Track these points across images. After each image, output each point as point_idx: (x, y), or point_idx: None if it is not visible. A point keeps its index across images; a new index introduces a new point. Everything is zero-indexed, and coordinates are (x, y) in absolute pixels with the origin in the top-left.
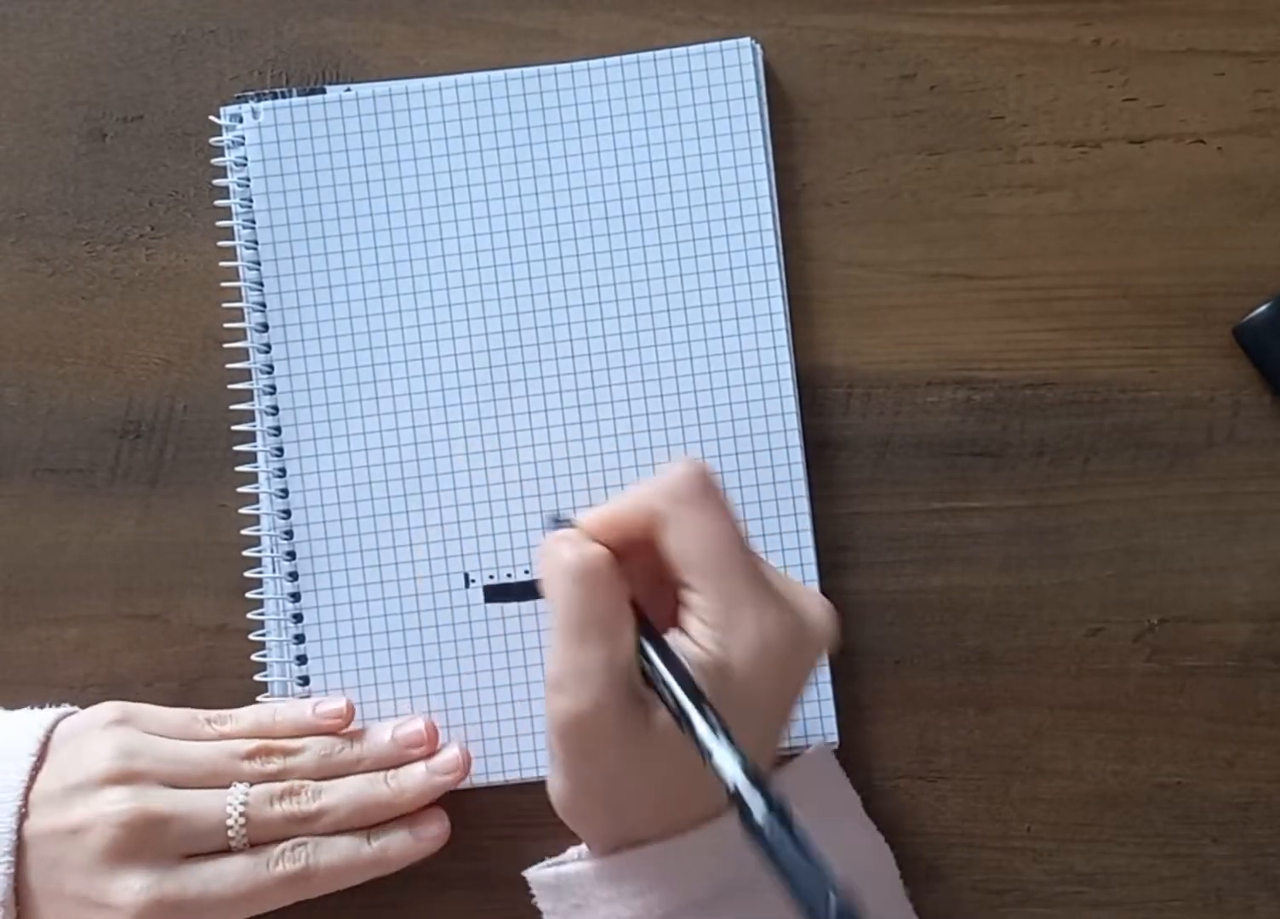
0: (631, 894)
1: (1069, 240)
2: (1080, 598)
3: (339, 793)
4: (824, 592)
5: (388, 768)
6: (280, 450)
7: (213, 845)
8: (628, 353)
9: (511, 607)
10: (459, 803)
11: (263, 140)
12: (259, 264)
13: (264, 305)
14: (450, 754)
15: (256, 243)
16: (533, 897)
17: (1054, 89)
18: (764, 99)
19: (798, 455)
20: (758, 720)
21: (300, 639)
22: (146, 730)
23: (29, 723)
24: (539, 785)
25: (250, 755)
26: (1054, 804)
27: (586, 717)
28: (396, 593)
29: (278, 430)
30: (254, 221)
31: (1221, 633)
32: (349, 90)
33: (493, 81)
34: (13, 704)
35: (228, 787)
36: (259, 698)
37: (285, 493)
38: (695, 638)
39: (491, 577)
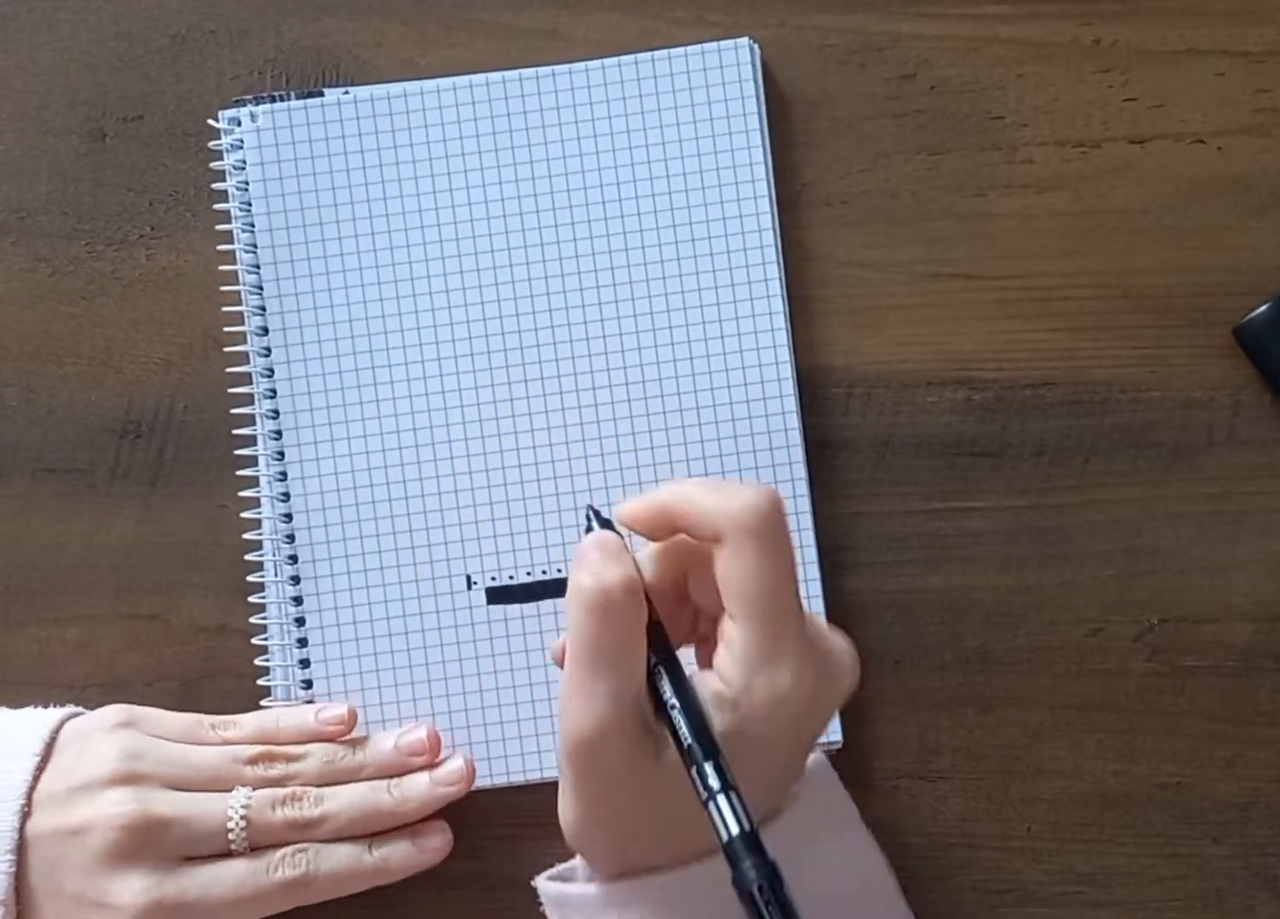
0: None
1: (1069, 240)
2: (1080, 598)
3: (341, 800)
4: (824, 591)
5: (390, 776)
6: (281, 454)
7: (213, 849)
8: (628, 353)
9: (514, 608)
10: (460, 803)
11: (261, 144)
12: (258, 268)
13: (264, 309)
14: (454, 765)
15: (256, 246)
16: (539, 903)
17: (1054, 89)
18: (762, 98)
19: (798, 455)
20: (769, 762)
21: (303, 642)
22: (151, 734)
23: (34, 722)
24: (539, 787)
25: (253, 760)
26: (1054, 804)
27: (594, 742)
28: (399, 595)
29: (279, 434)
30: (253, 225)
31: (1221, 633)
32: (347, 93)
33: (490, 83)
34: (13, 704)
35: (230, 791)
36: (262, 702)
37: (287, 496)
38: (722, 672)
39: (494, 579)
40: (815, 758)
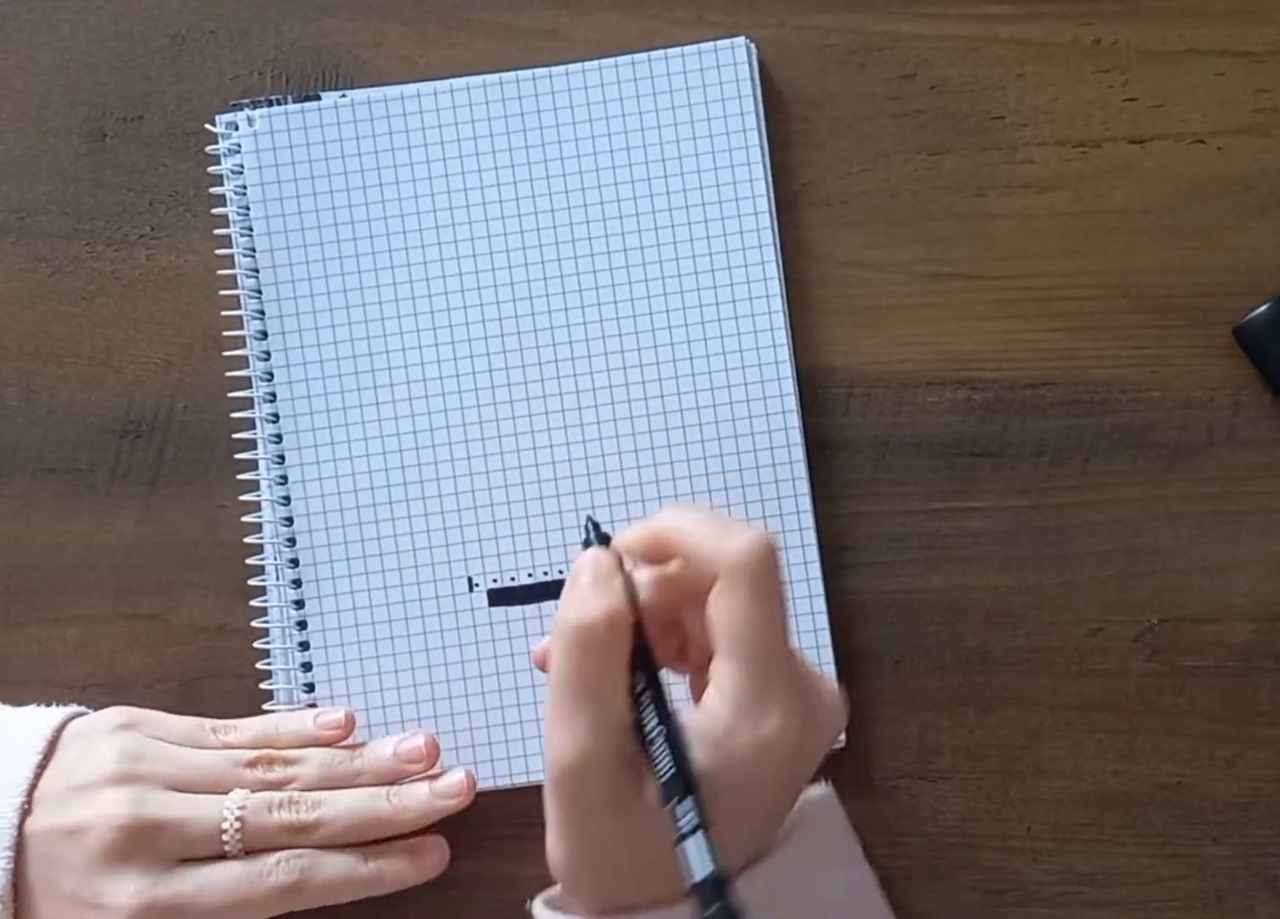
0: None
1: (1069, 240)
2: (1080, 598)
3: (339, 805)
4: (824, 591)
5: (388, 782)
6: (282, 457)
7: (208, 851)
8: (628, 354)
9: (516, 610)
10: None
11: (259, 148)
12: (257, 271)
13: (263, 312)
14: (455, 778)
15: (255, 250)
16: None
17: (1054, 89)
18: (759, 97)
19: (799, 455)
20: (753, 804)
21: (305, 646)
22: (152, 736)
23: (37, 721)
24: (540, 788)
25: (252, 764)
26: (1054, 804)
27: (575, 774)
28: (401, 598)
29: (279, 437)
30: (252, 229)
31: (1221, 633)
32: (344, 96)
33: (487, 85)
34: (14, 704)
35: (228, 794)
36: (265, 706)
37: (288, 499)
38: (710, 711)
39: (495, 580)
40: (821, 793)
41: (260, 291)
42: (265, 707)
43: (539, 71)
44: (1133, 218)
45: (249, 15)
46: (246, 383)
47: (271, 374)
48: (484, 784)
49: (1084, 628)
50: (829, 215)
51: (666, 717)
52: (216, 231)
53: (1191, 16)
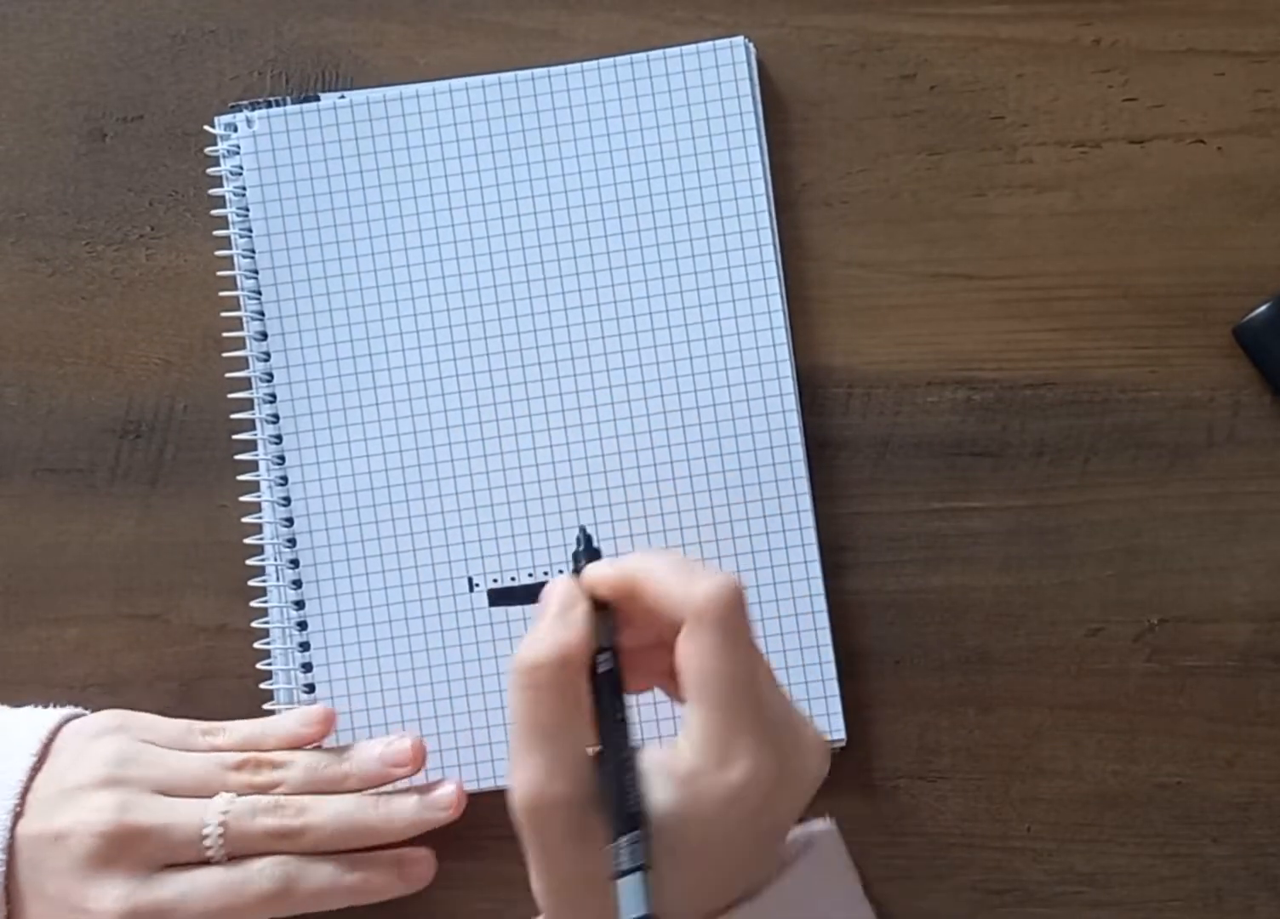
0: None
1: (1069, 240)
2: (1080, 598)
3: (325, 812)
4: (825, 591)
5: (375, 785)
6: (282, 458)
7: (193, 857)
8: (628, 354)
9: (516, 610)
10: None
11: (258, 149)
12: (257, 272)
13: (263, 313)
14: (446, 791)
15: (254, 251)
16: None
17: (1054, 89)
18: (758, 97)
19: (799, 454)
20: (724, 849)
21: (305, 646)
22: (143, 740)
23: (34, 723)
24: None
25: (239, 766)
26: (1054, 804)
27: (531, 813)
28: (401, 598)
29: (279, 438)
30: (251, 230)
31: (1221, 633)
32: (343, 97)
33: (487, 85)
34: (13, 704)
35: (214, 797)
36: (265, 706)
37: (288, 500)
38: (678, 758)
39: (495, 580)
40: (823, 828)
41: (260, 292)
42: (265, 707)
43: (539, 71)
44: (1133, 218)
45: (249, 15)
46: (246, 383)
47: (271, 374)
48: (484, 784)
49: (1084, 628)
50: (829, 215)
51: (620, 751)
52: (216, 232)
53: (1191, 16)
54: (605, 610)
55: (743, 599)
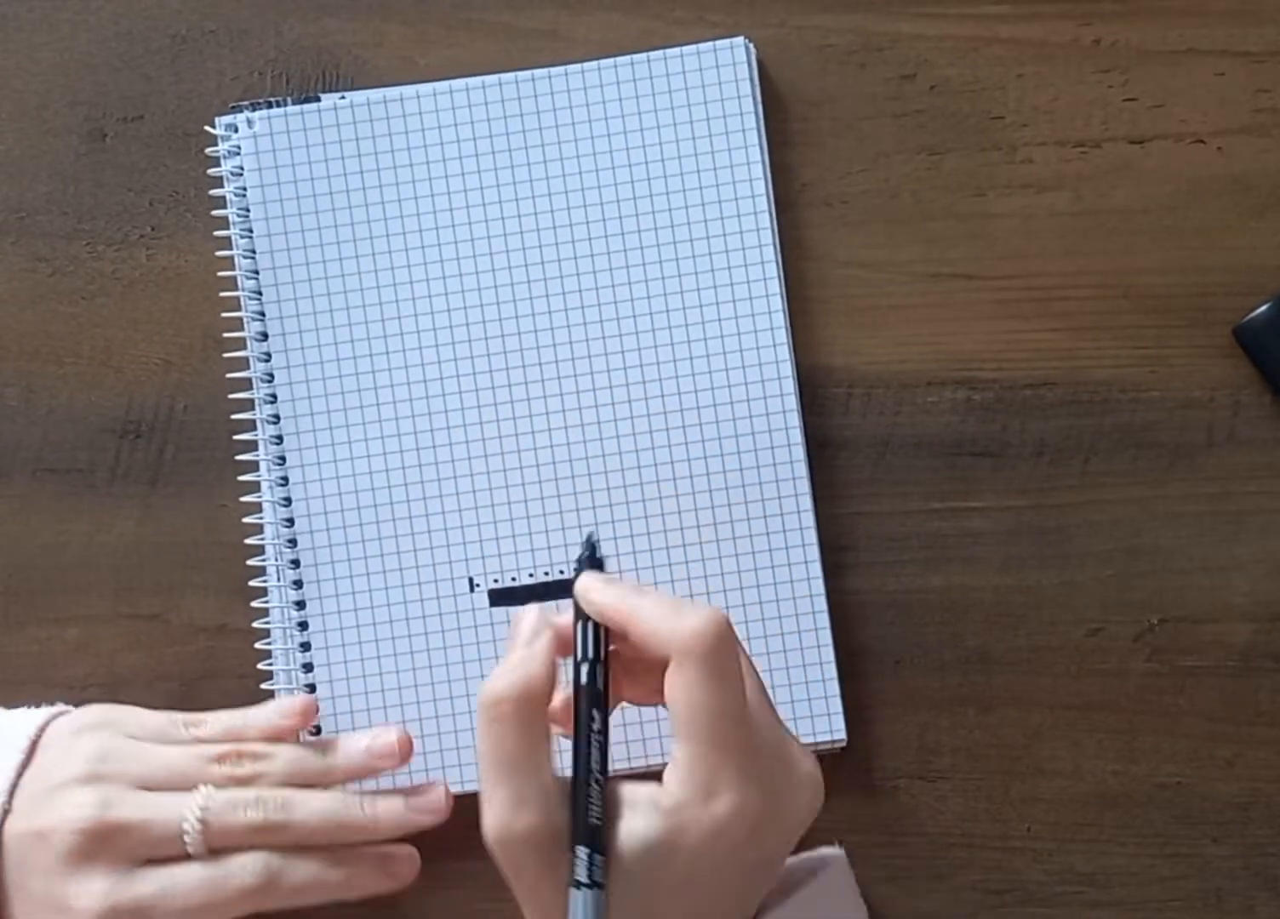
0: None
1: (1069, 240)
2: (1080, 598)
3: (309, 808)
4: (825, 591)
5: (359, 778)
6: (283, 458)
7: (174, 851)
8: (628, 354)
9: (517, 610)
10: (460, 803)
11: (258, 149)
12: (257, 273)
13: (263, 314)
14: (434, 795)
15: (255, 251)
16: None
17: (1054, 89)
18: (758, 97)
19: (799, 454)
20: (712, 881)
21: (306, 646)
22: (126, 734)
23: (22, 722)
24: None
25: (220, 759)
26: (1054, 804)
27: (501, 844)
28: (402, 598)
29: (280, 438)
30: (251, 230)
31: (1221, 633)
32: (344, 98)
33: (487, 85)
34: (13, 704)
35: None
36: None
37: (288, 500)
38: (665, 791)
39: (496, 580)
40: (832, 854)
41: (260, 292)
42: None
43: (539, 72)
44: (1133, 218)
45: (249, 15)
46: (247, 383)
47: (272, 375)
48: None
49: (1084, 628)
50: (829, 215)
51: (590, 764)
52: (217, 232)
53: (1191, 16)
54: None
55: (730, 634)
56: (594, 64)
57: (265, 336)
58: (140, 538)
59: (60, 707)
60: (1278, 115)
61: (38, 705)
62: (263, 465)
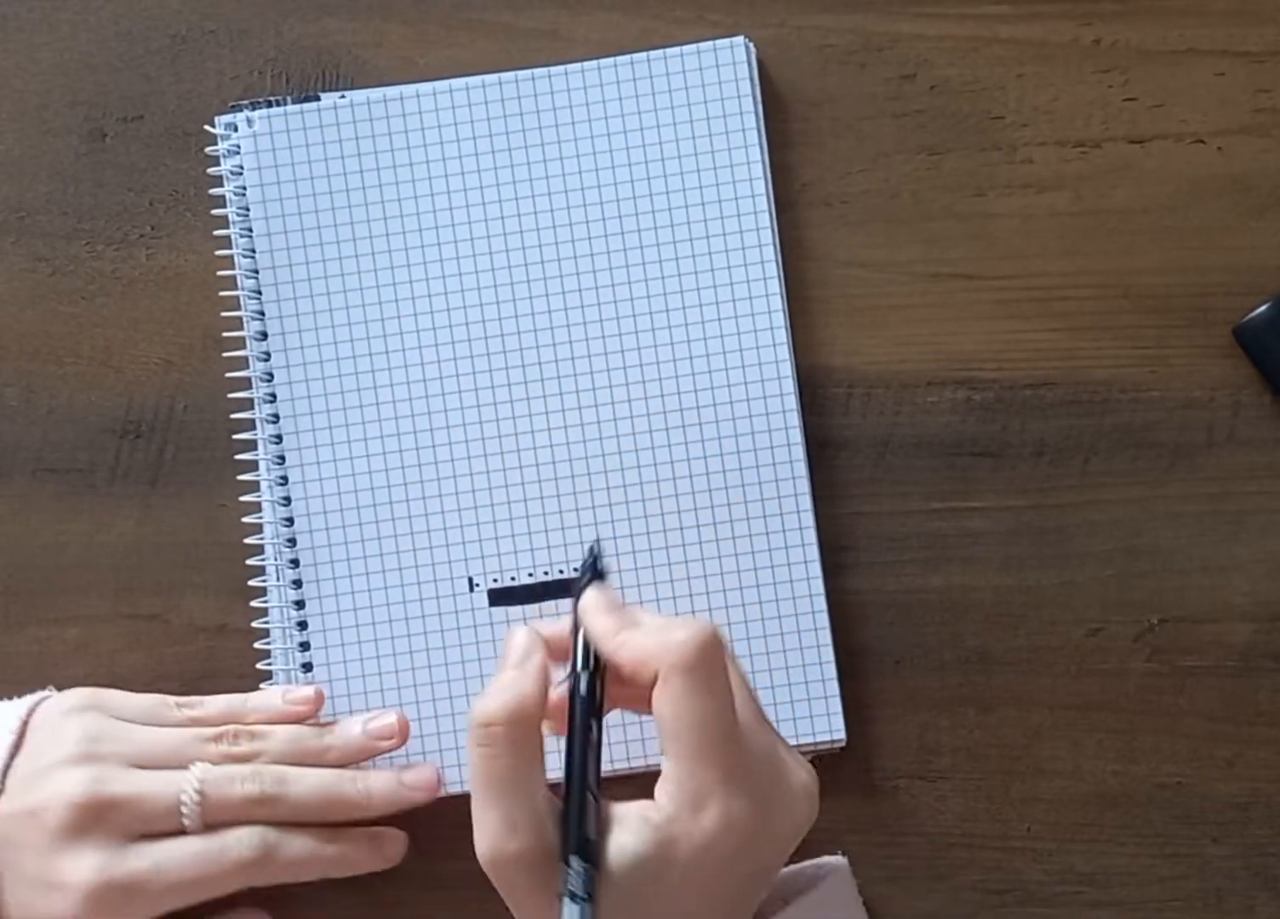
0: None
1: (1069, 240)
2: (1080, 598)
3: (304, 783)
4: (825, 591)
5: (356, 759)
6: (282, 458)
7: (168, 827)
8: (628, 354)
9: (516, 610)
10: (459, 803)
11: (258, 149)
12: (257, 272)
13: (263, 313)
14: (425, 771)
15: (254, 251)
16: None
17: (1054, 89)
18: (758, 97)
19: (799, 454)
20: (705, 894)
21: (305, 646)
22: (117, 716)
23: (9, 708)
24: None
25: (217, 738)
26: (1054, 804)
27: (493, 865)
28: (401, 598)
29: (279, 437)
30: (251, 230)
31: (1221, 633)
32: (343, 97)
33: (487, 85)
34: None
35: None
36: None
37: (288, 500)
38: (655, 805)
39: (495, 580)
40: (834, 864)
41: (260, 292)
42: None
43: (539, 71)
44: (1133, 218)
45: (249, 15)
46: (246, 383)
47: (272, 374)
48: None
49: (1084, 628)
50: (829, 215)
51: (584, 775)
52: (216, 232)
53: (1191, 16)
54: None
55: (718, 647)
56: (594, 64)
57: (265, 336)
58: (140, 538)
59: (43, 692)
60: (1278, 115)
61: (21, 696)
62: (262, 465)
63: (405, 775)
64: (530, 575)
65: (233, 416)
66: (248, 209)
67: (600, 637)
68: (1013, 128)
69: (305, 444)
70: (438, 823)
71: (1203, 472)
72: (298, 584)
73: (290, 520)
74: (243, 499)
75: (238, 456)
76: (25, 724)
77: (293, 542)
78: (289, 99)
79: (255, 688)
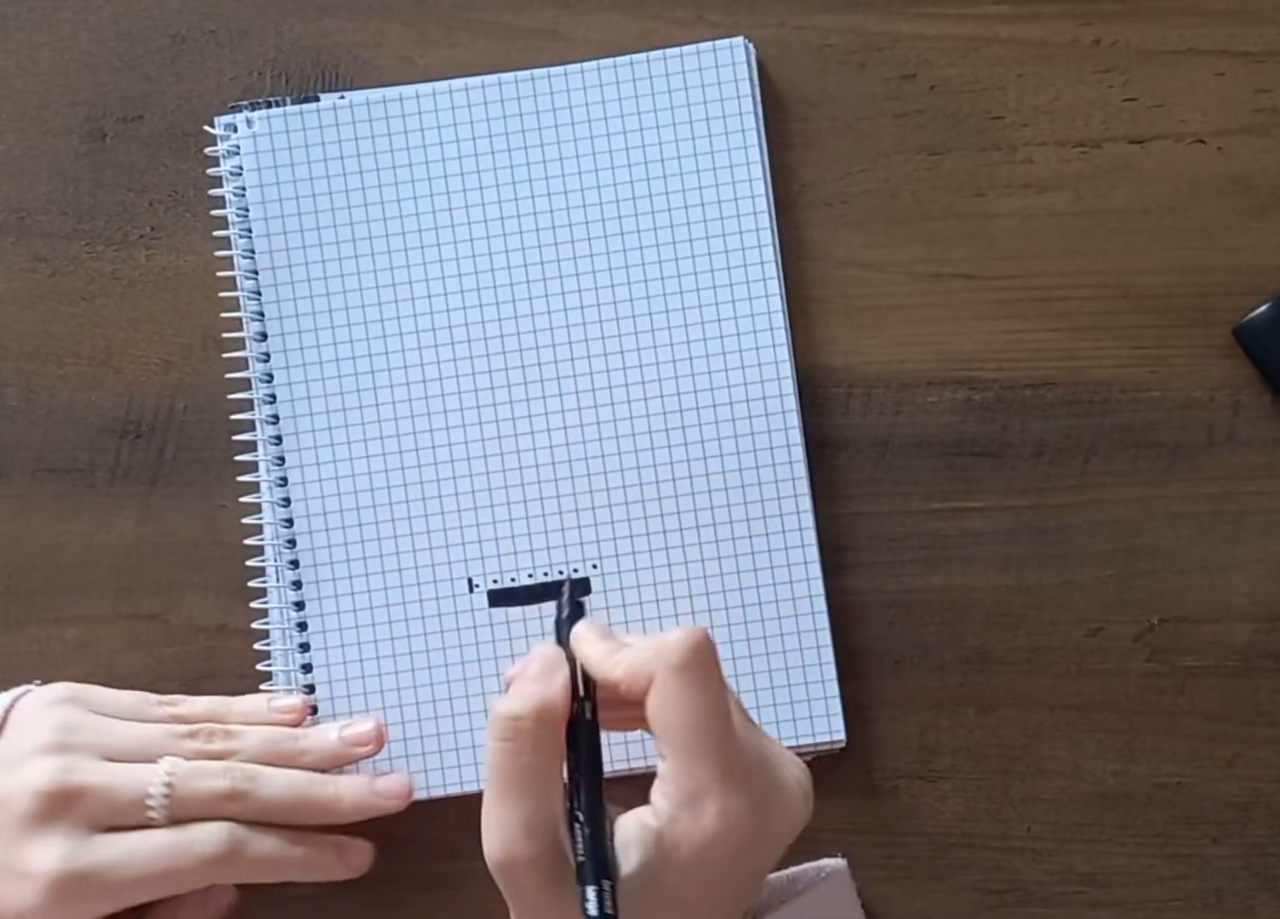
0: None
1: (1069, 240)
2: (1080, 598)
3: (275, 782)
4: (825, 591)
5: (330, 765)
6: (282, 459)
7: (136, 819)
8: (627, 354)
9: (516, 611)
10: (459, 803)
11: (257, 149)
12: (256, 273)
13: (262, 314)
14: (397, 780)
15: (254, 251)
16: None
17: (1054, 89)
18: (758, 97)
19: (799, 454)
20: (704, 897)
21: (305, 647)
22: (98, 711)
23: None
24: None
25: (192, 735)
26: (1054, 804)
27: (505, 867)
28: (401, 599)
29: (279, 438)
30: (251, 230)
31: (1221, 633)
32: (343, 97)
33: (487, 85)
34: None
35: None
36: None
37: (288, 501)
38: (653, 810)
39: (495, 581)
40: (833, 866)
41: (260, 292)
42: None
43: (539, 71)
44: (1133, 218)
45: (249, 15)
46: (246, 383)
47: (271, 375)
48: (483, 784)
49: (1084, 628)
50: (829, 215)
51: (593, 800)
52: (216, 232)
53: (1191, 16)
54: None
55: (708, 647)
56: (594, 64)
57: (264, 337)
58: (140, 538)
59: (25, 686)
60: (1278, 115)
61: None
62: (262, 465)
63: (377, 783)
64: (530, 576)
65: (233, 417)
66: (247, 209)
67: (596, 661)
68: (1013, 128)
69: (305, 445)
70: (438, 823)
71: (1203, 471)
72: (297, 585)
73: (290, 521)
74: (243, 499)
75: (238, 457)
76: (6, 716)
77: (292, 542)
78: (289, 99)
79: (255, 688)
